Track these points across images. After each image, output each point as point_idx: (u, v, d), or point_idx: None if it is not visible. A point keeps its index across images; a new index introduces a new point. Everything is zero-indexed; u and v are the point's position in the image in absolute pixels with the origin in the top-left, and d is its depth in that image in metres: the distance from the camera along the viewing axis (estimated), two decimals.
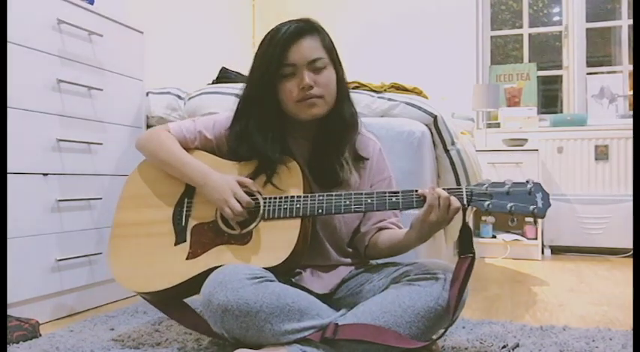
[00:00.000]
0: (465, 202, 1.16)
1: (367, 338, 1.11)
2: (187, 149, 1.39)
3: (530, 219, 3.27)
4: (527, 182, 1.15)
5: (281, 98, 1.32)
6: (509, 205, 1.13)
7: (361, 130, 1.44)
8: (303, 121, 1.34)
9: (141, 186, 1.42)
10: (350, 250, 1.42)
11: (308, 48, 1.29)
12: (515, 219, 1.15)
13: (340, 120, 1.36)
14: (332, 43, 1.35)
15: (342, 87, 1.37)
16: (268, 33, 1.32)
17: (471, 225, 3.35)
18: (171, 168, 1.37)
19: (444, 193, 1.15)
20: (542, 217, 1.13)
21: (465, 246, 1.19)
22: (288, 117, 1.35)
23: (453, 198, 1.15)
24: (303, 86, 1.27)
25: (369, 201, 1.23)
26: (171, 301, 1.35)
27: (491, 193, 1.15)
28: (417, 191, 1.19)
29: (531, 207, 1.13)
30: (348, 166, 1.36)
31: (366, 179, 1.42)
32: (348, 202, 1.24)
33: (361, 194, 1.24)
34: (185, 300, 1.38)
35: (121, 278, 1.34)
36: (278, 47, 1.28)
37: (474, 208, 1.22)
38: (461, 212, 1.18)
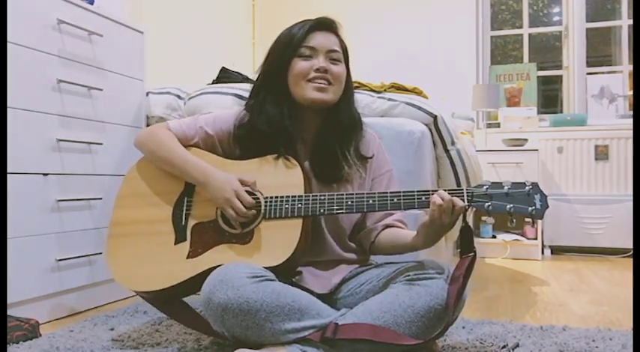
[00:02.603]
0: (466, 203, 1.17)
1: (367, 337, 1.11)
2: (186, 146, 1.39)
3: (530, 219, 3.28)
4: (526, 183, 1.17)
5: (292, 77, 1.35)
6: (508, 206, 1.16)
7: (365, 130, 1.46)
8: (306, 107, 1.36)
9: (139, 184, 1.41)
10: (352, 245, 1.42)
11: (329, 39, 1.38)
12: (514, 220, 1.18)
13: (350, 117, 1.41)
14: (346, 47, 1.42)
15: (350, 86, 1.43)
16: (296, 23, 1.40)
17: (470, 224, 3.36)
18: (172, 166, 1.36)
19: (447, 196, 1.16)
20: (540, 218, 1.16)
21: (466, 245, 1.20)
22: (297, 111, 1.37)
23: (456, 199, 1.16)
24: (319, 68, 1.33)
25: (370, 201, 1.24)
26: (171, 300, 1.35)
27: (491, 194, 1.18)
28: (419, 192, 1.21)
29: (530, 209, 1.15)
30: (353, 163, 1.37)
31: (367, 175, 1.44)
32: (350, 202, 1.25)
33: (363, 194, 1.25)
34: (185, 300, 1.38)
35: (121, 277, 1.33)
36: (303, 30, 1.36)
37: (474, 208, 1.23)
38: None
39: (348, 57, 1.42)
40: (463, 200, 1.17)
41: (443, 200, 1.16)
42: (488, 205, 1.17)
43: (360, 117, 1.45)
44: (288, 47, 1.36)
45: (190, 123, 1.42)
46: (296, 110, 1.37)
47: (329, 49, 1.36)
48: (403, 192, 1.22)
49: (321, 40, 1.36)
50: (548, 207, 1.16)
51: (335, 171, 1.36)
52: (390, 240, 1.37)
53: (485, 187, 1.18)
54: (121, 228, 1.38)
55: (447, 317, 1.15)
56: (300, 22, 1.39)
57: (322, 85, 1.33)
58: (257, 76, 1.43)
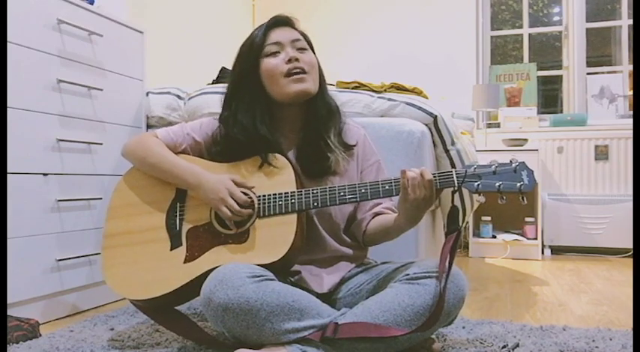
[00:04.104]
0: (456, 184, 1.20)
1: (367, 335, 1.11)
2: (175, 153, 1.39)
3: (531, 219, 3.28)
4: (512, 161, 1.21)
5: (267, 77, 1.34)
6: (497, 184, 1.19)
7: (345, 119, 1.46)
8: (290, 105, 1.36)
9: (129, 194, 1.40)
10: (347, 239, 1.42)
11: (289, 31, 1.39)
12: (504, 197, 1.20)
13: (326, 107, 1.40)
14: (307, 36, 1.42)
15: (322, 74, 1.42)
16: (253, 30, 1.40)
17: (470, 222, 3.36)
18: (163, 171, 1.36)
19: (411, 173, 1.19)
20: (530, 191, 1.18)
21: (452, 224, 1.23)
22: (275, 110, 1.37)
23: (424, 171, 1.19)
24: (290, 58, 1.32)
25: (362, 190, 1.25)
26: (167, 310, 1.34)
27: (480, 174, 1.20)
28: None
29: (518, 184, 1.18)
30: (338, 154, 1.37)
31: (355, 165, 1.44)
32: (342, 193, 1.26)
33: (354, 185, 1.26)
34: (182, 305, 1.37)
35: (119, 287, 1.32)
36: (261, 31, 1.37)
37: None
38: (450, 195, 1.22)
39: (312, 45, 1.42)
40: (453, 181, 1.20)
41: (407, 179, 1.19)
42: (478, 184, 1.19)
43: (336, 105, 1.44)
44: (251, 51, 1.36)
45: (178, 131, 1.43)
46: (274, 111, 1.37)
47: (292, 39, 1.36)
48: (394, 178, 1.24)
49: (282, 33, 1.37)
50: (536, 181, 1.19)
51: (322, 161, 1.36)
52: (379, 225, 1.37)
53: (473, 168, 1.21)
54: (114, 239, 1.37)
55: (442, 303, 1.14)
56: (257, 27, 1.40)
57: (300, 76, 1.33)
58: (226, 88, 1.42)
